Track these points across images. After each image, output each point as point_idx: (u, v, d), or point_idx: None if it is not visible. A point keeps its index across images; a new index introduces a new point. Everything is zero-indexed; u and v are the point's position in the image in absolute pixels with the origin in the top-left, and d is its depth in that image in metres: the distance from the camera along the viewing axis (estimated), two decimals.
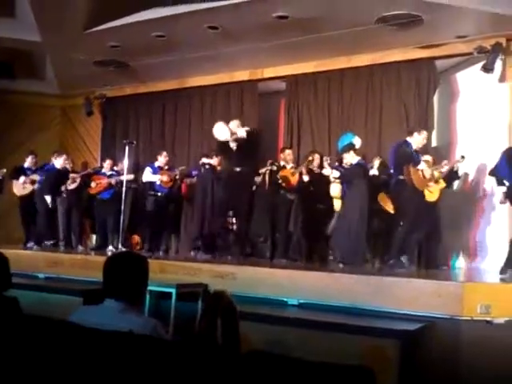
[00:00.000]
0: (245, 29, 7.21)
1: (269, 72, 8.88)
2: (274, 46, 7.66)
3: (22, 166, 8.76)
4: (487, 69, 7.05)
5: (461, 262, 7.39)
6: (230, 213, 7.91)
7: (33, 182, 8.49)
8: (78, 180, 8.30)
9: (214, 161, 7.92)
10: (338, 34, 7.05)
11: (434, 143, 7.72)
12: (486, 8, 6.36)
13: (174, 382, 1.99)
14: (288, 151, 7.78)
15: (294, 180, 7.40)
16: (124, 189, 7.28)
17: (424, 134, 6.46)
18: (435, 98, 7.90)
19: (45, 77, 9.55)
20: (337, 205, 7.17)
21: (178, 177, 8.18)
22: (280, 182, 7.37)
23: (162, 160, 8.28)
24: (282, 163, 7.66)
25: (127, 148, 7.34)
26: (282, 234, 7.40)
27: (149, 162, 8.62)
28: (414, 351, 3.87)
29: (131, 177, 8.10)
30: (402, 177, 6.23)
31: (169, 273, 5.53)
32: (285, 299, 4.80)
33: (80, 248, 8.31)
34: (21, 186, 8.52)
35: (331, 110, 8.47)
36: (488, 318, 4.19)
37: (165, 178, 8.06)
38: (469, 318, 4.19)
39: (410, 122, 7.82)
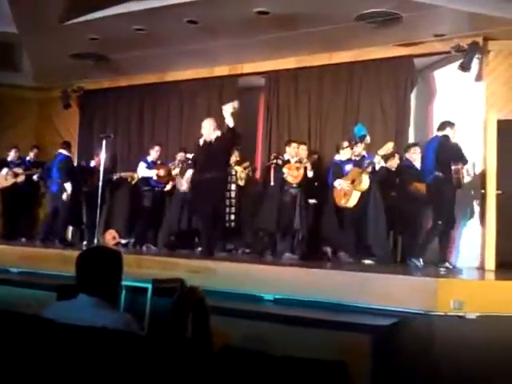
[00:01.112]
0: (225, 24, 7.19)
1: (249, 67, 8.86)
2: (255, 42, 7.64)
3: (5, 159, 8.78)
4: (464, 68, 7.14)
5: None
6: (229, 209, 7.67)
7: (15, 175, 8.47)
8: None
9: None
10: (318, 30, 7.06)
11: (411, 140, 7.80)
12: (463, 7, 6.44)
13: (146, 378, 1.99)
14: (294, 144, 7.46)
15: (300, 175, 7.18)
16: (101, 183, 7.20)
17: (454, 129, 6.29)
18: (413, 96, 7.99)
19: (21, 69, 9.41)
20: (354, 200, 6.69)
21: (173, 170, 8.04)
22: (285, 176, 7.17)
23: (154, 154, 8.18)
24: (287, 157, 7.40)
25: (104, 142, 7.26)
26: (288, 230, 7.21)
27: (141, 157, 8.51)
28: (388, 346, 3.92)
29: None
30: (441, 174, 6.04)
31: (145, 267, 5.51)
32: (261, 295, 4.82)
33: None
34: (3, 178, 8.50)
35: (311, 107, 8.50)
36: (461, 314, 4.26)
37: (162, 172, 7.95)
38: (442, 314, 4.25)
39: (388, 118, 7.91)
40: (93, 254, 2.44)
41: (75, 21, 7.23)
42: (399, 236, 7.12)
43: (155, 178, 8.02)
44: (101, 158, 7.32)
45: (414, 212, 6.74)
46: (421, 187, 6.43)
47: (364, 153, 6.88)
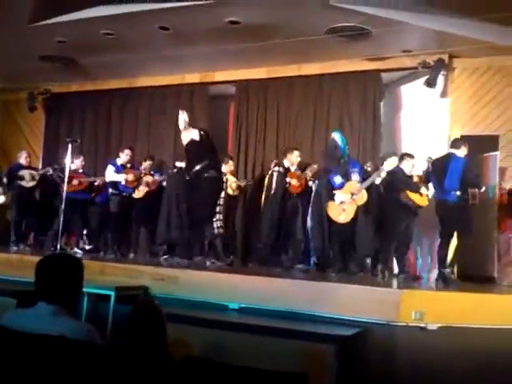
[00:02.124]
0: (196, 31, 7.19)
1: (220, 76, 8.89)
2: (226, 51, 7.66)
3: None
4: (430, 83, 7.31)
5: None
6: (218, 216, 7.36)
7: None
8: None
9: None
10: (288, 42, 7.13)
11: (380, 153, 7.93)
12: (431, 25, 6.59)
13: None
14: (297, 152, 7.21)
15: (302, 184, 7.01)
16: (65, 188, 7.08)
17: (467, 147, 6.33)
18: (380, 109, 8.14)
19: None
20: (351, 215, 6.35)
21: (142, 175, 7.82)
22: (287, 186, 6.95)
23: (124, 158, 7.87)
24: (287, 165, 7.16)
25: (70, 146, 7.13)
26: (291, 240, 7.02)
27: (110, 160, 8.23)
28: (351, 356, 3.95)
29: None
30: (462, 195, 6.06)
31: (109, 275, 5.43)
32: (226, 303, 4.80)
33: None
34: None
35: (280, 117, 8.58)
36: (422, 325, 4.32)
37: (130, 177, 7.70)
38: (404, 324, 4.31)
39: (355, 131, 8.03)
40: (53, 261, 2.38)
41: (43, 23, 7.11)
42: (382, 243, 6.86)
43: (123, 182, 7.73)
44: (66, 162, 7.19)
45: (398, 220, 6.53)
46: (414, 197, 6.35)
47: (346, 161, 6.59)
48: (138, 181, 7.77)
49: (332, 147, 6.63)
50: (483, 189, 6.43)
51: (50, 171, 8.09)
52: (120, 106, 9.69)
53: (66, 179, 7.24)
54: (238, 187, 7.81)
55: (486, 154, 7.32)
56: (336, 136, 6.67)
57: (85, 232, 8.33)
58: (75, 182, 7.81)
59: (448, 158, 6.30)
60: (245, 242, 8.25)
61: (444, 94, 7.65)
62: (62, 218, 7.01)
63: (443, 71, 7.38)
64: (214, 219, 7.13)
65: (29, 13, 6.97)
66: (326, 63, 8.06)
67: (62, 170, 7.69)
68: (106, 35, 7.48)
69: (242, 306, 4.73)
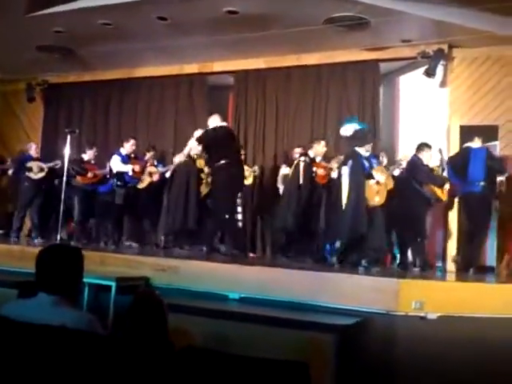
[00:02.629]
0: (195, 21, 7.15)
1: (218, 66, 8.86)
2: (224, 41, 7.64)
3: None
4: (429, 73, 7.30)
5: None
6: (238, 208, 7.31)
7: None
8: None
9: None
10: (287, 32, 7.11)
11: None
12: (430, 15, 6.58)
13: (107, 377, 1.97)
14: (323, 142, 7.15)
15: (327, 175, 6.95)
16: (65, 178, 7.07)
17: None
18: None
19: None
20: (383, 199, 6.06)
21: (148, 166, 7.76)
22: (313, 175, 6.85)
23: (128, 148, 7.68)
24: (312, 155, 7.08)
25: (69, 137, 7.12)
26: (314, 230, 6.90)
27: (115, 150, 8.03)
28: (351, 345, 3.97)
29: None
30: (487, 185, 6.13)
31: (109, 265, 5.43)
32: (226, 293, 4.81)
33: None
34: None
35: (278, 107, 8.57)
36: (422, 314, 4.34)
37: (137, 167, 7.56)
38: (404, 314, 4.33)
39: None
40: (52, 252, 2.39)
41: (40, 13, 7.07)
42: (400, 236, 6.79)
43: (131, 173, 7.56)
44: (65, 153, 7.17)
45: (417, 211, 6.42)
46: (437, 191, 6.29)
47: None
48: (142, 172, 7.68)
49: (360, 132, 6.26)
50: (506, 174, 6.45)
51: (59, 164, 7.90)
52: (119, 96, 9.66)
53: (82, 171, 7.35)
54: (252, 175, 7.74)
55: (485, 144, 7.31)
56: (356, 125, 6.38)
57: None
58: (90, 174, 7.77)
59: (466, 151, 6.33)
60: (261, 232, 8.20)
61: (443, 84, 7.63)
62: (62, 209, 6.99)
63: (442, 61, 7.37)
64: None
65: (26, 3, 6.94)
66: (324, 53, 8.03)
67: (78, 163, 7.70)
68: (104, 25, 7.44)
69: (243, 295, 4.75)
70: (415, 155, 6.43)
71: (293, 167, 7.10)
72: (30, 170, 8.01)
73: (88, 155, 7.96)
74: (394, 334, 4.28)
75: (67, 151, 7.14)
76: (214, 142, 6.56)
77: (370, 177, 5.91)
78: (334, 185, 6.57)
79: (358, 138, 6.15)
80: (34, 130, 10.14)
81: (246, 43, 7.67)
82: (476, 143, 6.32)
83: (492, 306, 4.49)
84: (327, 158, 7.24)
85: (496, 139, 7.27)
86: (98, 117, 9.78)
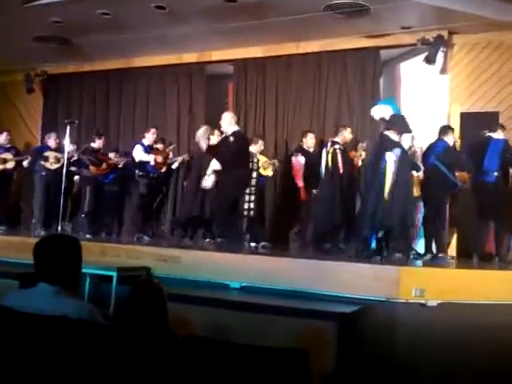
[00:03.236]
0: (193, 10, 7.11)
1: (217, 55, 8.81)
2: (223, 29, 7.60)
3: None
4: (429, 60, 7.26)
5: None
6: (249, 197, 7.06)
7: (3, 161, 7.89)
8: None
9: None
10: (286, 19, 7.07)
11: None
12: (430, 1, 6.53)
13: (108, 367, 1.98)
14: (349, 129, 7.00)
15: (356, 163, 6.84)
16: (65, 169, 7.07)
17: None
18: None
19: None
20: None
21: (170, 156, 7.72)
22: (350, 163, 6.69)
23: (150, 137, 7.57)
24: (341, 143, 6.92)
25: (68, 128, 7.11)
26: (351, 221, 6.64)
27: (138, 140, 7.92)
28: (351, 333, 3.98)
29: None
30: (500, 175, 6.10)
31: (110, 256, 5.45)
32: (227, 282, 4.83)
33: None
34: None
35: (279, 96, 8.53)
36: (422, 301, 4.36)
37: (159, 158, 7.50)
38: (404, 301, 4.35)
39: (354, 109, 8.00)
40: (50, 242, 2.40)
41: (37, 3, 7.02)
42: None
43: (153, 163, 7.48)
44: (64, 144, 7.16)
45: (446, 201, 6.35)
46: (462, 177, 6.30)
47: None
48: (164, 163, 7.63)
49: (400, 119, 5.99)
50: None
51: (76, 156, 7.80)
52: (117, 86, 9.63)
53: (96, 161, 7.31)
54: (271, 167, 7.61)
55: (486, 131, 7.29)
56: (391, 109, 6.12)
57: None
58: (104, 165, 7.70)
59: (487, 140, 6.31)
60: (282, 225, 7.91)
61: (443, 70, 7.59)
62: (62, 200, 7.00)
63: (442, 48, 7.32)
64: (246, 200, 6.96)
65: None
66: (324, 41, 7.98)
67: (90, 152, 7.62)
68: (102, 15, 7.39)
69: (244, 285, 4.76)
70: (441, 139, 6.23)
71: (330, 156, 6.73)
72: (47, 159, 7.75)
73: (97, 144, 7.82)
74: (394, 321, 4.30)
75: (67, 142, 7.14)
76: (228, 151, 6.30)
77: (417, 167, 5.84)
78: (364, 172, 6.47)
79: (398, 125, 5.80)
80: (34, 121, 10.13)
81: (245, 31, 7.63)
82: (498, 134, 6.32)
83: (492, 292, 4.51)
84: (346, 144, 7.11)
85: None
86: (98, 107, 9.76)
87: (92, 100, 9.80)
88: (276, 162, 7.79)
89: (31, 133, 10.15)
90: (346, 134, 6.95)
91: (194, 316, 3.93)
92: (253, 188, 7.05)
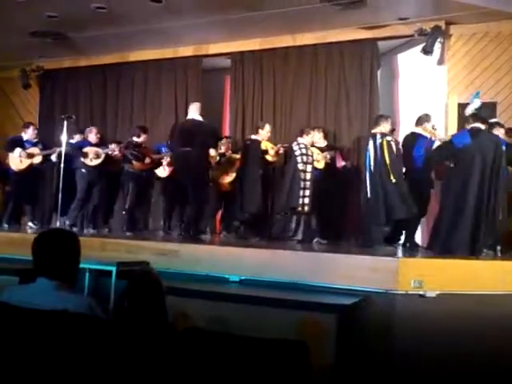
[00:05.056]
0: (189, 3, 7.08)
1: (214, 48, 8.79)
2: (219, 22, 7.57)
3: (21, 138, 7.83)
4: (427, 51, 7.25)
5: None
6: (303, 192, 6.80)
7: (30, 156, 7.65)
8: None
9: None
10: (282, 11, 7.03)
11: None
12: None
13: (109, 360, 1.99)
14: (390, 119, 6.60)
15: None
16: (62, 165, 7.05)
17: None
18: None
19: None
20: None
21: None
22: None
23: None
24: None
25: (65, 123, 7.09)
26: None
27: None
28: (351, 325, 4.00)
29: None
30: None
31: (110, 250, 5.45)
32: (226, 276, 4.84)
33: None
34: (17, 160, 7.66)
35: (276, 88, 8.51)
36: (421, 292, 4.37)
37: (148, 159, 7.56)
38: (403, 292, 4.36)
39: (352, 101, 7.98)
40: (48, 237, 2.40)
41: None
42: None
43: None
44: (62, 139, 7.13)
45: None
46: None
47: None
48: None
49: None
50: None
51: (116, 151, 7.62)
52: (114, 80, 9.61)
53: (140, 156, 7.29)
54: (276, 153, 7.37)
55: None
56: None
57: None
58: (148, 160, 7.56)
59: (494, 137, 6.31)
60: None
61: (441, 61, 7.58)
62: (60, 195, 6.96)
63: (440, 38, 7.30)
64: (301, 195, 6.74)
65: None
66: (320, 33, 7.96)
67: (134, 147, 7.48)
68: (98, 9, 7.36)
69: (243, 278, 4.77)
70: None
71: (385, 147, 6.21)
72: (86, 156, 7.39)
73: (142, 139, 7.60)
74: (393, 312, 4.31)
75: (64, 137, 7.12)
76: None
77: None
78: None
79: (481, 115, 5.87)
80: (30, 116, 10.08)
81: (242, 24, 7.60)
82: (497, 131, 6.29)
83: (490, 282, 4.52)
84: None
85: (495, 116, 7.23)
86: (94, 102, 9.73)
87: (89, 94, 9.77)
88: (328, 154, 7.30)
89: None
90: (387, 125, 6.41)
91: (194, 310, 3.94)
92: (307, 182, 6.80)
